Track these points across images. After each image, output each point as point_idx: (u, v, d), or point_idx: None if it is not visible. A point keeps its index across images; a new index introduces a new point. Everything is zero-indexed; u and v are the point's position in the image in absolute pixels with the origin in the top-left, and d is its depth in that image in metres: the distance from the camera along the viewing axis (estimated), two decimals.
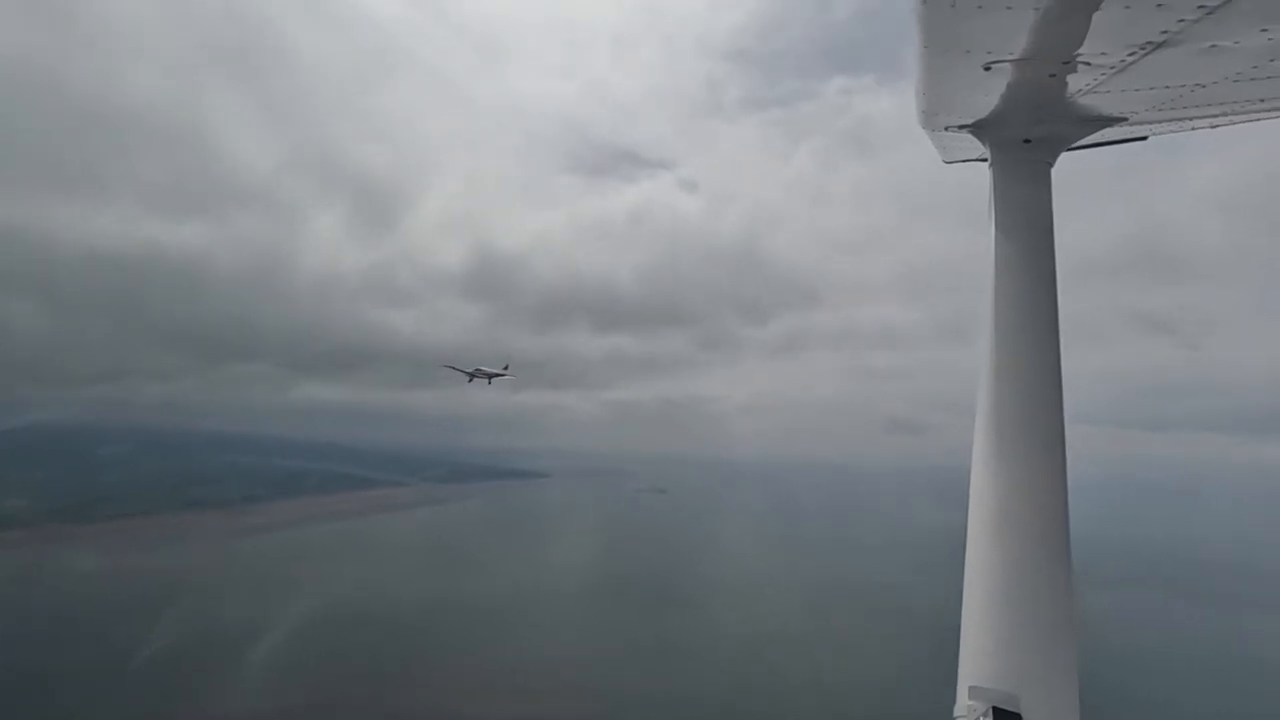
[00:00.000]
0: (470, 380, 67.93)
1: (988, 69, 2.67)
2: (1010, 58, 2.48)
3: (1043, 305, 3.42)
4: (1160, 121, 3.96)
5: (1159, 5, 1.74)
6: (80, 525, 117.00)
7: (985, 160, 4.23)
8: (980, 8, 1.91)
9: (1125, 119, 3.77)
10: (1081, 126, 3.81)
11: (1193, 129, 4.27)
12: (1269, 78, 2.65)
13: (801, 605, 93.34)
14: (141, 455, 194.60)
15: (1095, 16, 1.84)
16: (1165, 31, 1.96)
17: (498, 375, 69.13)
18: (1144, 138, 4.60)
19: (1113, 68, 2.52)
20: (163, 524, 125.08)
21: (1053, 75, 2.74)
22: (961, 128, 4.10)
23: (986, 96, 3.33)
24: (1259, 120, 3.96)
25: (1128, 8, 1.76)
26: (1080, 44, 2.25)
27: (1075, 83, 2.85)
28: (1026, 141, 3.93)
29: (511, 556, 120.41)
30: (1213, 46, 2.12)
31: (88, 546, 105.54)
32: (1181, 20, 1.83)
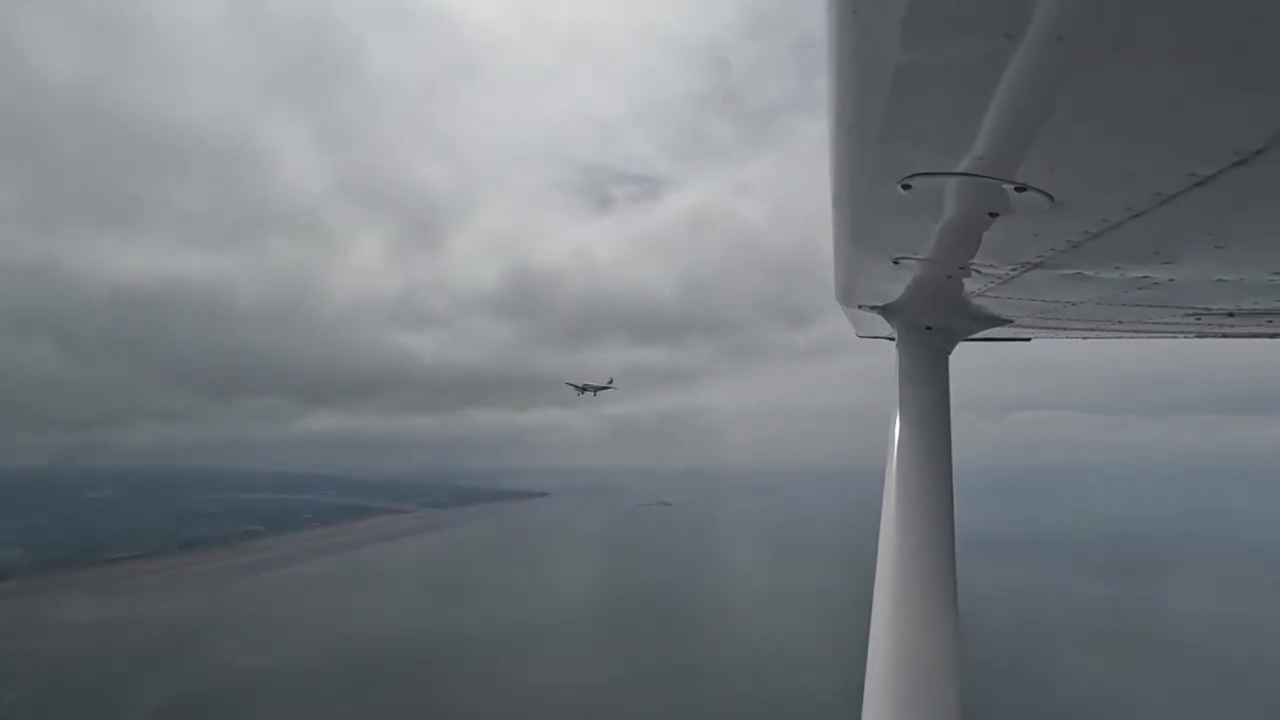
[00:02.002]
0: (580, 394, 77.84)
1: (896, 263, 3.00)
2: (915, 257, 2.80)
3: (938, 481, 3.69)
4: (1040, 328, 4.58)
5: (1034, 235, 2.06)
6: (73, 572, 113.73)
7: (893, 339, 4.59)
8: (889, 215, 2.21)
9: (1011, 321, 4.27)
10: (975, 322, 4.26)
11: (1068, 338, 5.03)
12: (1123, 305, 3.14)
13: (811, 614, 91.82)
14: (133, 497, 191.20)
15: (985, 235, 2.16)
16: (1040, 256, 2.31)
17: (603, 389, 79.41)
18: (1028, 339, 5.34)
19: (1000, 278, 2.85)
20: (159, 566, 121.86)
21: (950, 277, 3.07)
22: (872, 308, 4.51)
23: (894, 285, 3.69)
24: (1120, 339, 4.70)
25: (1009, 233, 2.06)
26: (972, 256, 2.58)
27: (969, 285, 3.19)
28: (928, 329, 4.33)
29: (516, 579, 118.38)
30: (1078, 274, 2.51)
31: (83, 594, 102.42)
32: (1052, 249, 2.17)
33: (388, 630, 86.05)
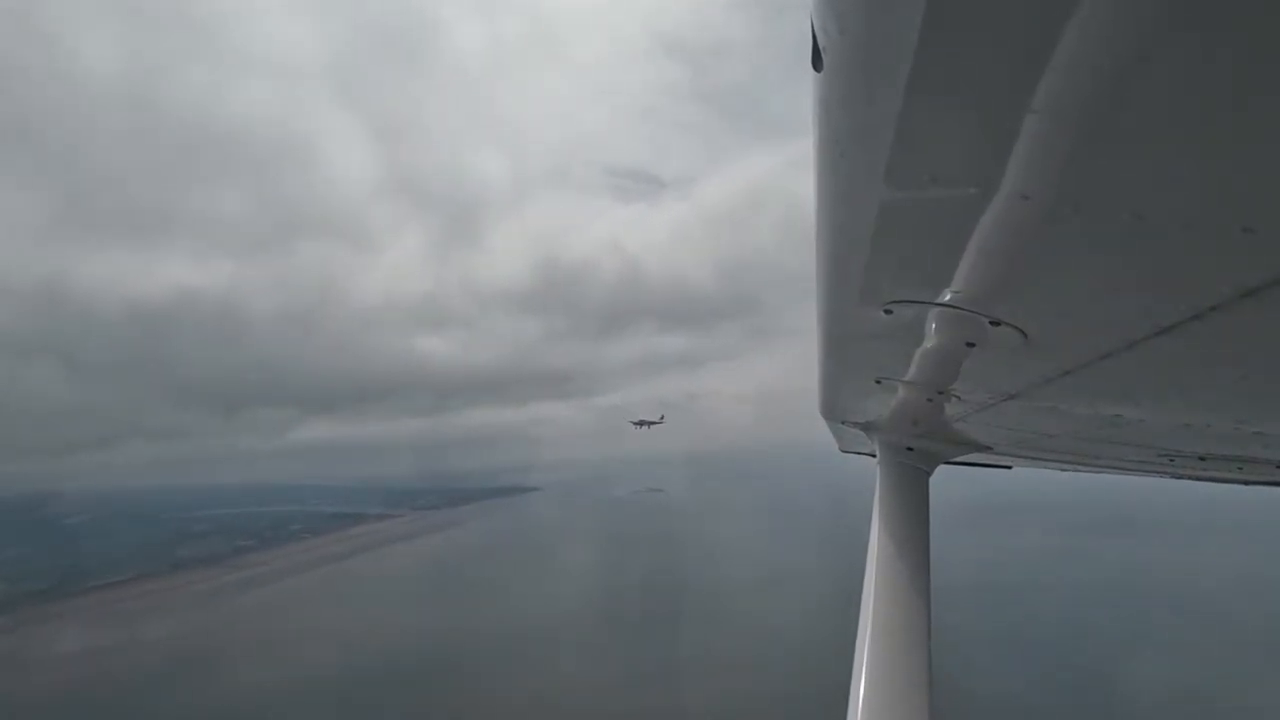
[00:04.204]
0: (638, 428, 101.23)
1: (878, 382, 3.06)
2: (897, 379, 2.84)
3: (914, 604, 3.66)
4: (1019, 456, 4.69)
5: (1010, 368, 2.12)
6: (61, 602, 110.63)
7: (874, 456, 4.57)
8: (872, 337, 2.27)
9: (991, 448, 4.32)
10: (955, 447, 4.29)
11: (1047, 468, 5.04)
12: (1098, 441, 3.23)
13: (801, 597, 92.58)
14: (115, 520, 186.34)
15: (964, 364, 2.19)
16: (1016, 387, 2.37)
17: (655, 423, 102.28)
18: (1008, 467, 5.38)
19: (979, 405, 2.87)
20: (150, 589, 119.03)
21: (930, 400, 3.08)
22: (855, 424, 4.64)
23: (877, 404, 3.73)
24: (1099, 474, 4.80)
25: (985, 364, 2.11)
26: (952, 382, 2.58)
27: (949, 410, 3.20)
28: (909, 449, 4.32)
29: (508, 577, 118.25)
30: (1054, 407, 2.52)
31: (72, 624, 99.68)
32: (1027, 382, 2.23)
33: (390, 638, 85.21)
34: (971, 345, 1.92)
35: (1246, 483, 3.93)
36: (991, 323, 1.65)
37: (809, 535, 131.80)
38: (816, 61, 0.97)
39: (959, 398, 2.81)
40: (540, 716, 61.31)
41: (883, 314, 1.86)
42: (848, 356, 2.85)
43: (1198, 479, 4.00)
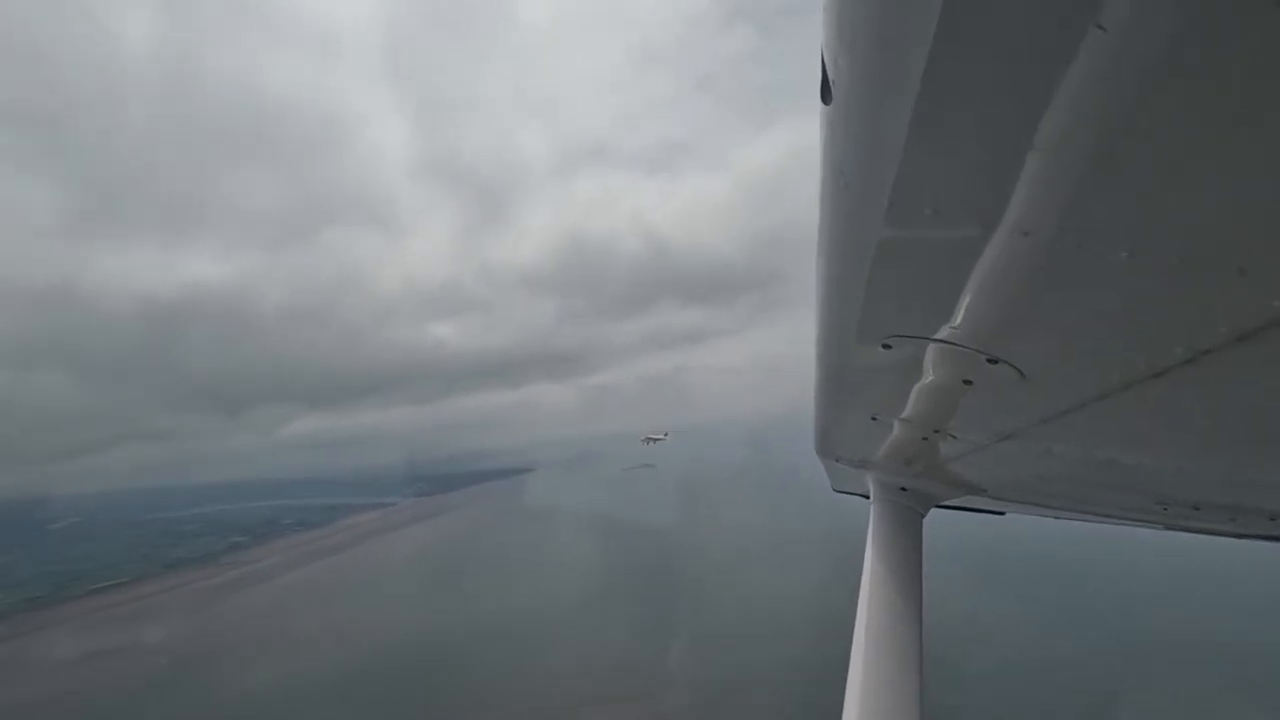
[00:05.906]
0: (646, 444, 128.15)
1: (874, 419, 3.05)
2: (893, 416, 2.83)
3: (905, 652, 3.61)
4: (1013, 501, 4.63)
5: (1006, 407, 2.12)
6: (57, 608, 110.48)
7: (867, 498, 4.58)
8: (870, 372, 2.31)
9: (986, 491, 4.21)
10: (949, 488, 4.22)
11: (1041, 515, 5.01)
12: (1091, 485, 3.17)
13: (805, 571, 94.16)
14: (101, 523, 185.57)
15: (960, 402, 2.18)
16: (1012, 427, 2.35)
17: (659, 439, 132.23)
18: (1001, 513, 5.34)
19: (974, 445, 2.83)
20: (145, 591, 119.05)
21: (926, 439, 3.04)
22: (849, 462, 4.61)
23: (872, 442, 3.70)
24: (1090, 523, 4.74)
25: (982, 402, 2.11)
26: (948, 421, 2.57)
27: (945, 449, 3.16)
28: (903, 489, 4.29)
29: (504, 559, 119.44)
30: (1049, 449, 2.49)
31: (70, 630, 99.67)
32: (1024, 421, 2.22)
33: (388, 628, 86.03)
34: (969, 383, 1.92)
35: (1239, 535, 3.92)
36: (989, 360, 1.65)
37: (799, 507, 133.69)
38: (825, 95, 0.98)
39: (954, 437, 2.82)
40: (537, 703, 62.59)
41: (881, 349, 1.87)
42: (845, 391, 2.90)
43: (1190, 530, 3.97)
